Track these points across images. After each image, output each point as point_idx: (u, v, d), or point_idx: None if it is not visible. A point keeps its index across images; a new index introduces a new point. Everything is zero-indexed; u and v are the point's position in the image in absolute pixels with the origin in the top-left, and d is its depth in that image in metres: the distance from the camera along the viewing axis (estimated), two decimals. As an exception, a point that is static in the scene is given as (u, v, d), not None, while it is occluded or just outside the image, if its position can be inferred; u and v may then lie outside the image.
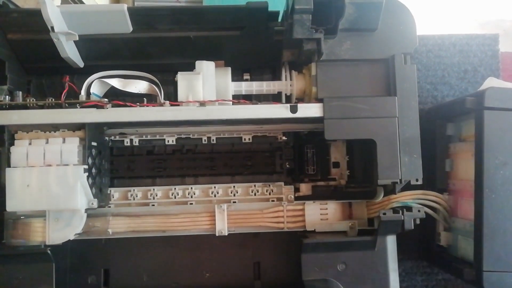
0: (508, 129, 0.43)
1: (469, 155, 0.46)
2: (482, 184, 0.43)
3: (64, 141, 0.43)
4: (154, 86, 0.46)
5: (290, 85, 0.47)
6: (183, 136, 0.51)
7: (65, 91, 0.45)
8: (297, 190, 0.50)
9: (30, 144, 0.42)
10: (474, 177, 0.44)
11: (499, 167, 0.42)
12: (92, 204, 0.43)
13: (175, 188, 0.49)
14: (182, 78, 0.44)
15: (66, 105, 0.43)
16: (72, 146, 0.42)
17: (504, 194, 0.42)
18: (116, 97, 0.46)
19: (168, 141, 0.51)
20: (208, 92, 0.44)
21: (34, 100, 0.43)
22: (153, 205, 0.49)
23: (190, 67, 0.45)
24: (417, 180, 0.42)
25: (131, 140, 0.50)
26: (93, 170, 0.45)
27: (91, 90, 0.45)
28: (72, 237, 0.43)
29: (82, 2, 1.20)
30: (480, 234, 0.42)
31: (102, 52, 0.46)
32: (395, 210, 0.44)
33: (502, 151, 0.42)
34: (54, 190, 0.41)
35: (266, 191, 0.50)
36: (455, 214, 0.49)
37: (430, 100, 0.62)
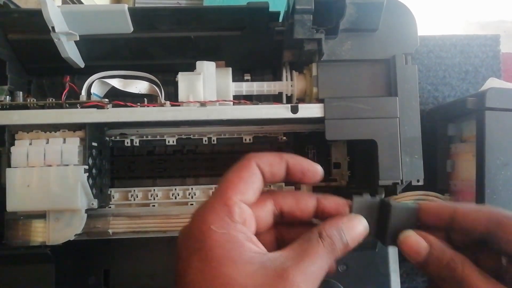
0: (509, 129, 0.42)
1: (470, 156, 0.46)
2: (483, 184, 0.42)
3: (64, 141, 0.42)
4: (154, 86, 0.46)
5: (291, 85, 0.47)
6: (183, 136, 0.51)
7: (65, 91, 0.45)
8: (298, 190, 0.50)
9: (30, 144, 0.42)
10: (476, 178, 0.44)
11: (501, 167, 0.42)
12: (93, 204, 0.43)
13: (175, 189, 0.49)
14: (182, 79, 0.44)
15: (67, 105, 0.43)
16: (72, 146, 0.42)
17: (506, 194, 0.42)
18: (116, 97, 0.46)
19: (168, 142, 0.50)
20: (209, 92, 0.44)
21: (35, 100, 0.43)
22: (154, 205, 0.49)
23: (191, 68, 0.45)
24: (418, 180, 0.42)
25: (132, 141, 0.50)
26: (94, 171, 0.44)
27: (92, 91, 0.45)
28: (72, 238, 0.43)
29: (81, 3, 1.20)
30: (481, 235, 0.42)
31: (103, 52, 0.46)
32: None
33: (504, 152, 0.42)
34: (55, 190, 0.41)
35: (267, 192, 0.49)
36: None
37: (431, 101, 0.62)
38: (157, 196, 0.49)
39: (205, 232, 0.27)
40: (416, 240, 0.29)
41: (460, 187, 0.49)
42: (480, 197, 0.43)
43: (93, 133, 0.44)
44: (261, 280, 0.25)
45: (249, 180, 0.29)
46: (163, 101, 0.44)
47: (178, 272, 0.27)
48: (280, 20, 0.45)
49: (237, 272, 0.26)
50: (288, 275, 0.25)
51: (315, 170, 0.31)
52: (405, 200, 0.44)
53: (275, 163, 0.30)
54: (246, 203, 0.28)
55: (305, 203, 0.30)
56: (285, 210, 0.31)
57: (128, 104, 0.43)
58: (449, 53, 0.63)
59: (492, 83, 0.56)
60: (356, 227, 0.29)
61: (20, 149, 0.41)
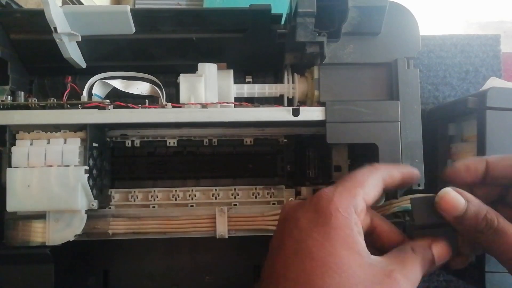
0: (510, 129, 0.42)
1: (471, 156, 0.45)
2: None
3: (65, 142, 0.42)
4: (156, 87, 0.46)
5: (292, 88, 0.47)
6: (184, 138, 0.51)
7: (67, 91, 0.45)
8: (298, 193, 0.50)
9: (31, 144, 0.42)
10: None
11: (501, 166, 0.42)
12: (93, 205, 0.43)
13: (176, 190, 0.49)
14: (184, 80, 0.44)
15: (68, 105, 0.43)
16: (73, 147, 0.42)
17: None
18: (118, 98, 0.46)
19: (169, 143, 0.50)
20: (210, 94, 0.44)
21: (36, 100, 0.43)
22: (154, 207, 0.49)
23: (192, 69, 0.45)
24: (419, 185, 0.42)
25: (132, 142, 0.50)
26: (94, 171, 0.44)
27: (93, 91, 0.45)
28: (72, 238, 0.43)
29: (81, 3, 1.20)
30: (482, 235, 0.42)
31: (105, 53, 0.46)
32: (396, 215, 0.43)
33: (504, 151, 0.42)
34: (55, 191, 0.41)
35: (267, 194, 0.49)
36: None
37: (431, 101, 0.62)
38: (157, 197, 0.49)
39: (332, 211, 0.30)
40: (454, 196, 0.32)
41: (460, 187, 0.49)
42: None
43: (94, 134, 0.44)
44: (370, 274, 0.29)
45: (374, 186, 0.33)
46: (164, 102, 0.44)
47: (294, 236, 0.31)
48: (283, 22, 0.45)
49: (352, 259, 0.29)
50: (394, 275, 0.29)
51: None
52: (405, 204, 0.44)
53: (395, 176, 0.35)
54: (365, 201, 0.32)
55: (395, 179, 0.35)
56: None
57: (129, 105, 0.43)
58: (450, 53, 0.63)
59: (493, 82, 0.56)
60: (442, 246, 0.33)
61: (21, 149, 0.41)
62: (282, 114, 0.43)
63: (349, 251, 0.29)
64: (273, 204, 0.49)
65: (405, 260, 0.31)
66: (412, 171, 0.37)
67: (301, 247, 0.30)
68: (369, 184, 0.33)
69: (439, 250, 0.33)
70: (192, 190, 0.49)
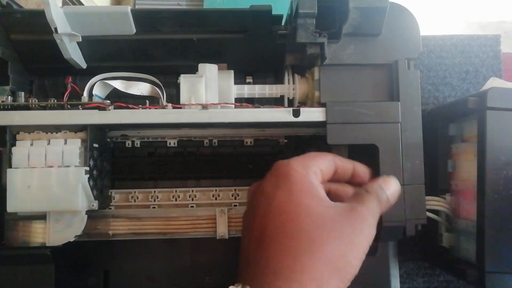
0: (510, 129, 0.42)
1: (472, 156, 0.46)
2: (484, 184, 0.42)
3: (65, 143, 0.42)
4: (156, 88, 0.46)
5: (293, 89, 0.47)
6: (184, 138, 0.51)
7: (67, 92, 0.45)
8: (298, 193, 0.50)
9: (31, 145, 0.42)
10: (477, 178, 0.44)
11: (502, 167, 0.42)
12: (93, 205, 0.43)
13: (176, 191, 0.49)
14: (184, 81, 0.44)
15: (69, 106, 0.43)
16: (73, 147, 0.42)
17: (507, 194, 0.42)
18: (118, 98, 0.46)
19: (169, 143, 0.51)
20: (211, 95, 0.44)
21: (36, 100, 0.43)
22: (154, 207, 0.49)
23: (193, 70, 0.45)
24: (419, 185, 0.42)
25: (133, 142, 0.50)
26: (95, 172, 0.44)
27: (94, 92, 0.45)
28: (72, 239, 0.43)
29: (82, 4, 1.20)
30: (482, 235, 0.42)
31: (105, 53, 0.46)
32: (396, 216, 0.43)
33: (505, 151, 0.42)
34: (55, 192, 0.41)
35: (268, 195, 0.49)
36: (458, 215, 0.49)
37: (431, 101, 0.62)
38: (157, 197, 0.49)
39: (289, 171, 0.34)
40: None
41: (461, 187, 0.49)
42: (481, 197, 0.43)
43: (95, 135, 0.44)
44: (336, 212, 0.33)
45: (326, 161, 0.37)
46: (164, 103, 0.44)
47: (262, 202, 0.34)
48: (283, 23, 0.45)
49: (316, 203, 0.33)
50: (356, 208, 0.33)
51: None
52: None
53: (346, 164, 0.39)
54: (319, 168, 0.36)
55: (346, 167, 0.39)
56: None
57: (130, 106, 0.43)
58: (450, 53, 0.63)
59: (494, 82, 0.56)
60: (392, 185, 0.38)
61: (21, 150, 0.41)
62: (282, 115, 0.43)
63: (312, 198, 0.33)
64: (274, 204, 0.49)
65: (362, 199, 0.35)
66: (365, 172, 0.40)
67: (270, 209, 0.33)
68: (322, 158, 0.37)
69: (390, 187, 0.37)
70: (193, 191, 0.49)
